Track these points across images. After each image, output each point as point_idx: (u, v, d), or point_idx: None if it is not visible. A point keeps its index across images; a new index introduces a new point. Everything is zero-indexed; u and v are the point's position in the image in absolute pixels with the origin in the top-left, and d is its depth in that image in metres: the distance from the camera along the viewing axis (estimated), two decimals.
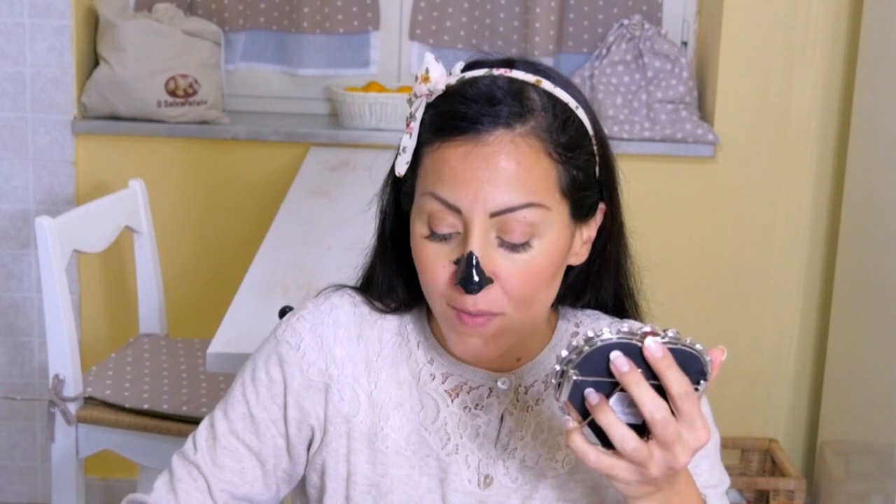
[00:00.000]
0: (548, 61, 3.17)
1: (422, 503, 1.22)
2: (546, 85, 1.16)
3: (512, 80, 1.15)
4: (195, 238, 3.17)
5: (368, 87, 3.16)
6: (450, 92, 1.15)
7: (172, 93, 3.04)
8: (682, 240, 3.19)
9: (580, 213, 1.17)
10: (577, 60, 3.26)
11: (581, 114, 1.17)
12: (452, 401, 1.23)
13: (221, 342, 1.83)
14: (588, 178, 1.16)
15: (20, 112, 3.04)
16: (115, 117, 3.07)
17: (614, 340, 1.03)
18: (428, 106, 1.16)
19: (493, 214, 1.11)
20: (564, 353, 1.04)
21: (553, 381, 1.05)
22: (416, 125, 1.16)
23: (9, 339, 3.16)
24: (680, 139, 3.11)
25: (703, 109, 3.21)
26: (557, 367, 1.04)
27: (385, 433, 1.22)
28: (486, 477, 1.22)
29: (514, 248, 1.12)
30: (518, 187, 1.11)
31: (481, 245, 1.11)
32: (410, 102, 1.18)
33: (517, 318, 1.15)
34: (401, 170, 1.17)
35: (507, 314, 1.14)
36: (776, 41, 3.11)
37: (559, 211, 1.14)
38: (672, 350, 1.03)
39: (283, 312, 1.75)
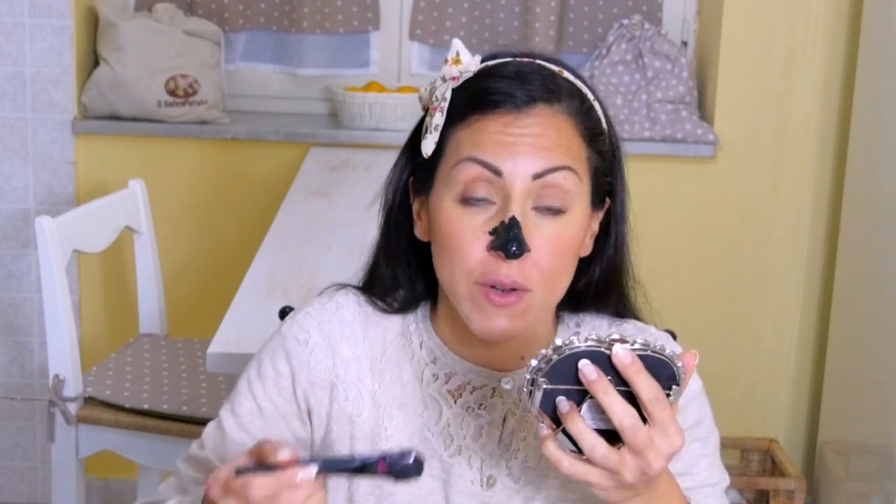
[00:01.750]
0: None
1: None
2: (567, 75, 1.19)
3: (539, 65, 1.18)
4: (195, 238, 3.17)
5: (368, 87, 3.16)
6: (481, 73, 1.17)
7: (172, 93, 3.04)
8: (681, 240, 3.19)
9: (596, 198, 1.19)
10: (577, 60, 3.25)
11: (597, 106, 1.20)
12: (455, 401, 1.23)
13: (221, 342, 1.83)
14: (605, 165, 1.19)
15: (20, 112, 3.04)
16: (115, 117, 3.07)
17: (583, 349, 1.03)
18: (455, 89, 1.17)
19: (536, 176, 1.13)
20: (534, 362, 1.04)
21: (524, 389, 1.05)
22: (445, 105, 1.17)
23: (9, 339, 3.16)
24: (680, 139, 3.11)
25: (703, 109, 3.21)
26: (528, 376, 1.04)
27: (388, 433, 1.22)
28: (489, 478, 1.22)
29: (548, 213, 1.13)
30: (559, 153, 1.13)
31: (521, 215, 1.12)
32: (431, 89, 1.19)
33: (542, 297, 1.15)
34: (429, 149, 1.17)
35: (535, 292, 1.14)
36: (776, 41, 3.11)
37: (586, 188, 1.17)
38: (642, 357, 1.03)
39: (283, 312, 1.75)
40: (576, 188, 1.14)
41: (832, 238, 3.16)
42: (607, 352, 1.03)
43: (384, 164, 3.30)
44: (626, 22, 3.18)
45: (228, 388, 2.45)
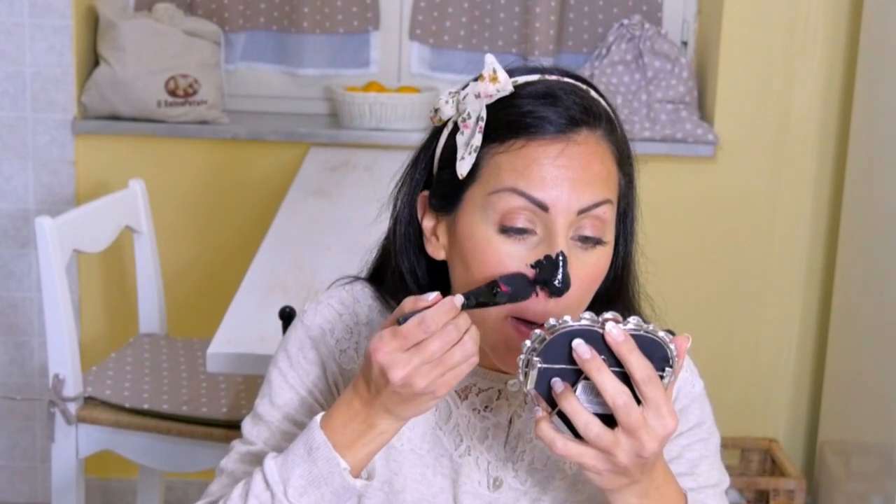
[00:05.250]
0: (547, 61, 3.17)
1: (434, 502, 1.22)
2: (594, 94, 1.18)
3: (571, 84, 1.16)
4: (195, 238, 3.17)
5: (368, 86, 3.16)
6: (515, 93, 1.14)
7: (172, 93, 3.04)
8: (681, 240, 3.19)
9: (619, 220, 1.19)
10: (577, 60, 3.25)
11: (618, 126, 1.19)
12: (462, 401, 1.23)
13: (221, 342, 1.83)
14: (627, 189, 1.19)
15: (20, 112, 3.04)
16: (115, 117, 3.07)
17: (576, 328, 1.03)
18: (490, 107, 1.14)
19: (581, 212, 1.11)
20: (528, 342, 1.04)
21: (519, 370, 1.06)
22: (483, 125, 1.13)
23: (9, 339, 3.16)
24: (680, 139, 3.11)
25: (703, 109, 3.21)
26: (522, 356, 1.05)
27: (400, 430, 1.22)
28: (496, 480, 1.22)
29: (586, 244, 1.12)
30: (602, 185, 1.12)
31: (566, 247, 1.10)
32: (457, 102, 1.16)
33: None
34: (465, 170, 1.13)
35: None
36: (776, 41, 3.11)
37: (615, 213, 1.16)
38: (635, 337, 1.04)
39: (284, 312, 1.75)
40: (612, 217, 1.14)
41: (832, 238, 3.16)
42: (601, 331, 1.03)
43: (384, 164, 3.32)
44: (626, 22, 3.18)
45: (228, 388, 2.45)
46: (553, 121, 1.12)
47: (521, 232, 1.11)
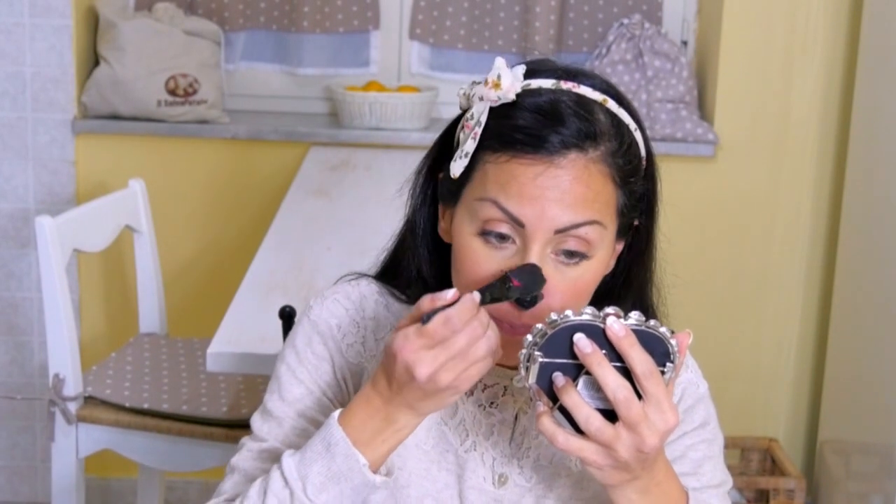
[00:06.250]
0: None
1: (439, 498, 1.22)
2: (611, 105, 1.15)
3: (580, 98, 1.14)
4: (195, 238, 3.17)
5: (368, 86, 3.16)
6: (518, 102, 1.13)
7: (172, 92, 3.04)
8: (681, 240, 3.18)
9: (622, 232, 1.18)
10: (577, 60, 3.24)
11: (638, 136, 1.17)
12: (468, 397, 1.23)
13: (221, 342, 1.84)
14: (636, 201, 1.17)
15: (20, 112, 3.04)
16: (115, 117, 3.07)
17: (578, 322, 1.04)
18: (492, 111, 1.14)
19: (558, 231, 1.11)
20: (529, 336, 1.05)
21: (521, 364, 1.06)
22: (479, 130, 1.13)
23: (9, 338, 3.16)
24: (680, 139, 3.11)
25: (703, 109, 3.21)
26: (524, 351, 1.06)
27: None
28: (501, 476, 1.22)
29: (567, 259, 1.12)
30: (585, 207, 1.11)
31: (539, 261, 1.10)
32: (468, 98, 1.16)
33: None
34: (456, 172, 1.14)
35: None
36: (776, 41, 3.11)
37: (611, 230, 1.15)
38: (636, 332, 1.04)
39: (284, 312, 1.75)
40: (599, 237, 1.12)
41: (832, 238, 3.16)
42: (602, 325, 1.04)
43: (384, 163, 3.32)
44: (626, 21, 3.18)
45: (228, 388, 2.45)
46: (543, 139, 1.10)
47: (501, 238, 1.12)
